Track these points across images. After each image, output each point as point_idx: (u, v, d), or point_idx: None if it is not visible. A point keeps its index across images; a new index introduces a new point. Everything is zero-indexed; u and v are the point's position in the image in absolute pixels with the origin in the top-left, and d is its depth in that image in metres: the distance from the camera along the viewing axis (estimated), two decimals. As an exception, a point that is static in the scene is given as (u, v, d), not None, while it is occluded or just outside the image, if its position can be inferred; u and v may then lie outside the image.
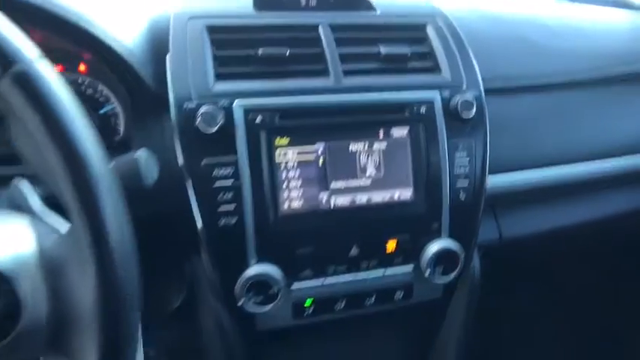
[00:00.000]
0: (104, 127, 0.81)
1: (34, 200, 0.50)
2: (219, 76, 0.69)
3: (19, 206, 0.49)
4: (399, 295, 0.77)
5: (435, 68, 0.79)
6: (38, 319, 0.41)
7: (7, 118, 0.41)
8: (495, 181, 0.81)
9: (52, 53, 0.74)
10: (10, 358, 0.43)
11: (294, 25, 0.76)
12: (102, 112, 0.81)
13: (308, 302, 0.73)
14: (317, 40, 0.75)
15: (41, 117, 0.38)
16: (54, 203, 0.47)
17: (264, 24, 0.75)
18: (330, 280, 0.73)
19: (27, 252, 0.42)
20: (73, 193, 0.39)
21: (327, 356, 0.81)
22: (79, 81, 0.81)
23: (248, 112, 0.67)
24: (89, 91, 0.81)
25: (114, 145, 0.82)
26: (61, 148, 0.39)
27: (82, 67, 0.81)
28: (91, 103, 0.81)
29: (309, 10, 0.81)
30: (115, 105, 0.81)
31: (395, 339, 0.86)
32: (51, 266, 0.42)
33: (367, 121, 0.73)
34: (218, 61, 0.70)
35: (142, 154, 0.55)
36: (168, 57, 0.69)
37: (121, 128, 0.82)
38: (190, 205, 0.66)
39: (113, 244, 0.40)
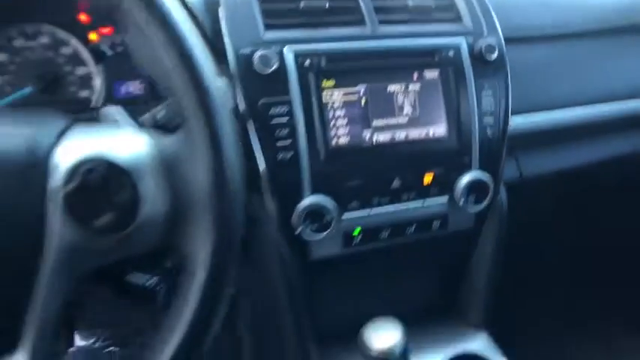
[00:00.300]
0: (149, 86, 0.87)
1: (128, 119, 0.57)
2: (268, 27, 0.75)
3: (117, 123, 0.55)
4: (436, 224, 0.84)
5: (458, 18, 0.86)
6: (156, 211, 0.48)
7: (128, 28, 0.47)
8: (514, 121, 0.88)
9: (101, 16, 0.81)
10: (127, 249, 0.49)
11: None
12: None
13: (356, 231, 0.80)
14: None
15: (163, 27, 0.45)
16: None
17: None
18: (376, 210, 0.80)
19: (144, 151, 0.48)
20: (189, 93, 0.46)
21: (369, 287, 0.88)
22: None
23: (298, 56, 0.74)
24: (138, 51, 0.87)
25: (159, 99, 0.88)
26: (179, 54, 0.45)
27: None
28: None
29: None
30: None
31: (429, 269, 0.93)
32: (167, 163, 0.48)
33: (402, 64, 0.80)
34: (265, 13, 0.77)
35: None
36: (220, 10, 0.76)
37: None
38: (251, 146, 0.72)
39: (225, 138, 0.46)
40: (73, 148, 0.47)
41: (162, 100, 0.86)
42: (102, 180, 0.45)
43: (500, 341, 0.93)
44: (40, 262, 0.45)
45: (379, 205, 0.80)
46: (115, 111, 0.57)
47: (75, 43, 0.85)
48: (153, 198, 0.47)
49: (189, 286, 0.49)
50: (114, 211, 0.46)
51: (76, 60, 0.86)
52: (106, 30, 0.86)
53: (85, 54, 0.86)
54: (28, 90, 0.84)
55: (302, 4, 0.79)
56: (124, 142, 0.49)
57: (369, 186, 0.79)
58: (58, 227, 0.45)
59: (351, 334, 0.78)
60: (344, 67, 0.77)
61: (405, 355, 0.71)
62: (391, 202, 0.81)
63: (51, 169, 0.46)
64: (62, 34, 0.85)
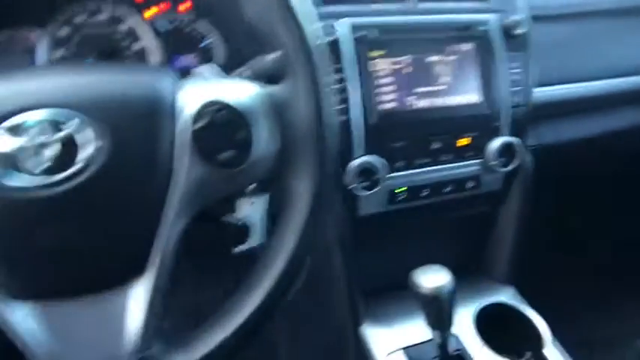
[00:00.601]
0: (204, 59, 0.94)
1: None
2: (325, 1, 0.82)
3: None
4: (469, 184, 0.92)
5: (487, -4, 0.95)
6: (266, 149, 0.54)
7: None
8: (538, 92, 0.97)
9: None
10: (242, 182, 0.56)
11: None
12: (202, 45, 0.94)
13: (400, 189, 0.87)
14: None
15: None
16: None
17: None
18: (417, 170, 0.88)
19: (256, 97, 0.55)
20: (297, 48, 0.53)
21: (406, 243, 0.95)
22: (182, 17, 0.93)
23: (352, 28, 0.81)
24: (190, 26, 0.94)
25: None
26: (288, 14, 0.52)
27: (187, 4, 0.93)
28: (193, 38, 0.94)
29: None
30: (214, 38, 0.94)
31: (461, 227, 1.01)
32: (275, 107, 0.55)
33: (440, 38, 0.88)
34: (320, -12, 0.84)
35: None
36: None
37: (221, 58, 0.94)
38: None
39: (322, 85, 0.54)
40: (196, 94, 0.53)
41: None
42: (225, 120, 0.52)
43: (527, 297, 1.01)
44: (165, 197, 0.52)
45: (420, 166, 0.88)
46: (209, 68, 0.63)
47: (132, 19, 0.91)
48: (265, 137, 0.54)
49: (290, 217, 0.56)
50: (234, 148, 0.53)
51: (133, 35, 0.91)
52: (162, 6, 0.92)
53: (143, 29, 0.91)
54: (87, 64, 0.90)
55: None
56: (238, 89, 0.56)
57: (411, 148, 0.87)
58: (186, 163, 0.52)
59: (390, 287, 0.86)
60: (391, 39, 0.85)
61: (453, 295, 0.78)
62: (431, 163, 0.89)
63: (177, 113, 0.52)
64: (121, 10, 0.90)
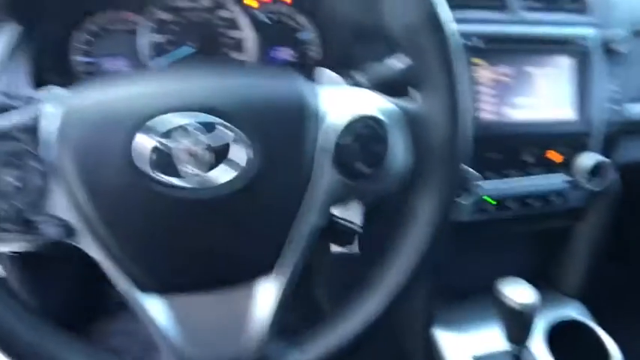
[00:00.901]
0: (300, 54, 0.94)
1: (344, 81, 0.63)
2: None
3: (337, 83, 0.62)
4: (555, 199, 0.92)
5: (587, 10, 0.93)
6: (400, 163, 0.55)
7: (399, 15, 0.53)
8: (634, 109, 0.95)
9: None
10: (371, 194, 0.57)
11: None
12: (302, 37, 0.94)
13: (489, 199, 0.88)
14: None
15: (430, 17, 0.52)
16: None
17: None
18: (507, 181, 0.88)
19: (393, 110, 0.56)
20: (440, 63, 0.53)
21: (484, 252, 0.96)
22: (283, 10, 0.94)
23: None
24: (289, 19, 0.94)
25: (308, 67, 0.95)
26: (438, 41, 0.52)
27: (287, -1, 0.94)
28: (291, 31, 0.94)
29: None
30: (311, 33, 0.94)
31: (537, 238, 1.01)
32: (410, 120, 0.55)
33: (539, 50, 0.87)
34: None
35: None
36: None
37: (316, 53, 0.95)
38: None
39: (463, 103, 0.54)
40: (340, 104, 0.54)
41: (312, 68, 0.93)
42: (368, 135, 0.53)
43: (595, 312, 1.01)
44: (302, 201, 0.53)
45: (510, 176, 0.88)
46: (330, 74, 0.63)
47: (234, 7, 0.91)
48: (400, 153, 0.55)
49: (411, 238, 0.56)
50: (371, 162, 0.53)
51: (233, 24, 0.92)
52: (263, -2, 0.93)
53: (243, 19, 0.92)
54: (187, 49, 0.91)
55: (458, -12, 0.85)
56: (376, 101, 0.56)
57: (502, 158, 0.87)
58: (323, 170, 0.53)
59: (462, 293, 0.86)
60: (493, 48, 0.84)
61: (536, 312, 0.79)
62: (520, 175, 0.88)
63: (319, 120, 0.53)
64: (223, -2, 0.91)
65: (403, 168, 0.55)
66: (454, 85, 0.53)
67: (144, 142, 0.47)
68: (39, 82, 0.78)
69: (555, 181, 0.91)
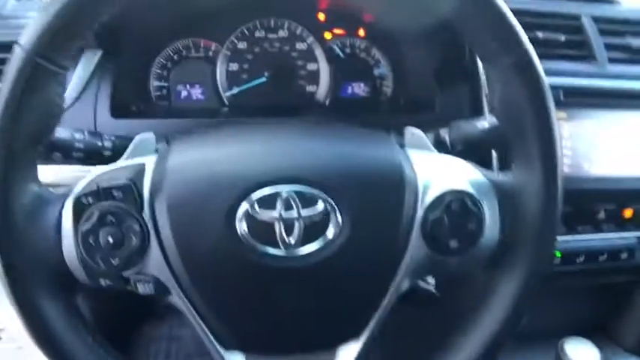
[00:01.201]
0: (374, 86, 0.94)
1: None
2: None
3: (425, 146, 0.61)
4: (624, 255, 0.89)
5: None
6: (491, 238, 0.54)
7: (498, 91, 0.52)
8: None
9: (336, 17, 0.87)
10: (458, 269, 0.56)
11: (562, 14, 0.87)
12: (376, 72, 0.93)
13: (558, 253, 0.86)
14: (581, 29, 0.86)
15: (533, 96, 0.50)
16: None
17: (539, 10, 0.86)
18: (577, 237, 0.86)
19: (486, 183, 0.55)
20: (540, 143, 0.52)
21: (543, 302, 0.94)
22: (357, 44, 0.93)
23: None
24: (363, 54, 0.94)
25: (380, 103, 0.95)
26: (539, 120, 0.51)
27: (361, 32, 0.93)
28: (364, 65, 0.94)
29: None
30: (385, 67, 0.93)
31: (599, 292, 0.99)
32: (503, 197, 0.54)
33: (624, 105, 0.85)
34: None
35: None
36: None
37: (389, 89, 0.94)
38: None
39: (559, 179, 0.52)
40: (431, 176, 0.54)
41: (384, 106, 0.93)
42: (460, 211, 0.52)
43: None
44: (395, 273, 0.53)
45: (582, 232, 0.86)
46: (415, 131, 0.62)
47: (310, 40, 0.91)
48: (492, 230, 0.54)
49: (492, 309, 0.56)
50: (461, 238, 0.53)
51: (308, 56, 0.92)
52: (339, 31, 0.92)
53: (319, 51, 0.92)
54: (262, 79, 0.92)
55: (540, 35, 0.83)
56: (466, 172, 0.55)
57: (577, 214, 0.84)
58: (415, 245, 0.52)
59: (524, 342, 0.85)
60: (576, 102, 0.82)
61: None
62: (592, 231, 0.86)
63: (415, 192, 0.53)
64: (300, 30, 0.91)
65: (493, 243, 0.54)
66: (553, 162, 0.52)
67: (242, 211, 0.48)
68: (118, 106, 0.81)
69: (627, 237, 0.88)
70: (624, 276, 0.96)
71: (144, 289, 0.51)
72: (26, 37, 0.45)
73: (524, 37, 0.50)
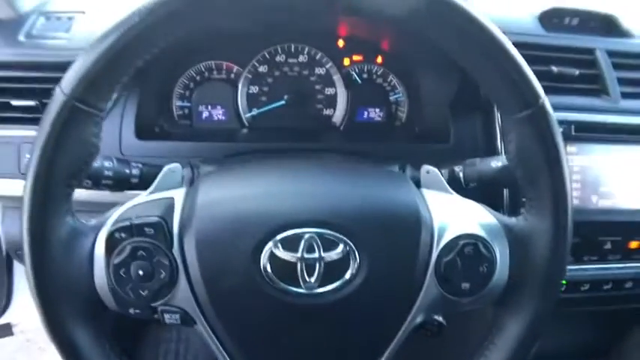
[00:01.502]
0: (389, 112, 0.96)
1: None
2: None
3: (440, 185, 0.64)
4: (629, 284, 0.92)
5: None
6: (501, 278, 0.56)
7: (514, 140, 0.54)
8: None
9: (355, 44, 0.90)
10: (467, 307, 0.58)
11: (576, 48, 0.89)
12: (392, 98, 0.96)
13: (563, 282, 0.88)
14: (595, 63, 0.88)
15: (547, 147, 0.53)
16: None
17: (554, 44, 0.88)
18: (583, 266, 0.88)
19: (496, 228, 0.57)
20: (552, 190, 0.54)
21: (550, 328, 0.96)
22: (374, 70, 0.96)
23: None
24: (380, 80, 0.96)
25: (394, 129, 0.97)
26: (552, 170, 0.53)
27: (379, 59, 0.95)
28: (381, 91, 0.96)
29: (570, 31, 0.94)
30: (401, 94, 0.96)
31: (604, 318, 1.01)
32: (514, 240, 0.57)
33: (632, 139, 0.86)
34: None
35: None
36: None
37: (404, 115, 0.97)
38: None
39: (569, 225, 0.54)
40: (445, 218, 0.56)
41: (398, 132, 0.95)
42: (472, 254, 0.55)
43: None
44: (410, 310, 0.56)
45: (587, 262, 0.88)
46: (435, 173, 0.64)
47: (329, 65, 0.94)
48: (502, 272, 0.57)
49: (497, 348, 0.58)
50: (472, 281, 0.55)
51: (326, 81, 0.95)
52: (357, 57, 0.95)
53: (336, 77, 0.94)
54: (281, 102, 0.94)
55: (554, 69, 0.85)
56: (478, 214, 0.58)
57: (583, 244, 0.86)
58: (427, 284, 0.55)
59: None
60: (587, 137, 0.84)
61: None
62: (598, 261, 0.88)
63: (431, 234, 0.55)
64: (320, 55, 0.94)
65: (503, 284, 0.56)
66: (564, 212, 0.54)
67: (267, 251, 0.51)
68: (142, 127, 0.83)
69: (632, 267, 0.91)
70: (629, 304, 0.98)
71: (170, 319, 0.54)
72: (66, 81, 0.48)
73: (539, 90, 0.52)
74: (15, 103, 0.83)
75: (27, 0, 0.91)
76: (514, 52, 0.50)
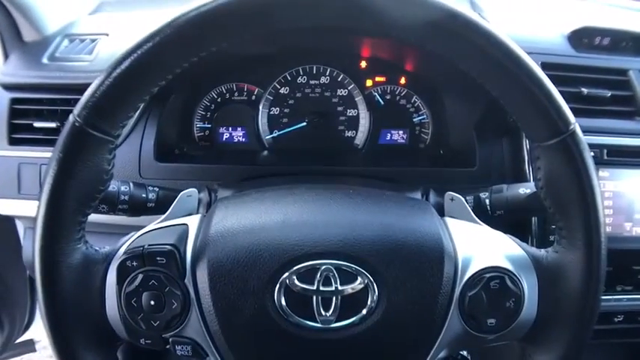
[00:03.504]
0: (413, 134, 0.94)
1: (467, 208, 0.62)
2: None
3: (465, 213, 0.61)
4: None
5: None
6: (529, 314, 0.53)
7: (543, 167, 0.51)
8: None
9: (377, 65, 0.88)
10: (492, 342, 0.55)
11: (608, 68, 0.85)
12: (415, 120, 0.94)
13: (595, 313, 0.84)
14: (628, 84, 0.85)
15: (578, 175, 0.50)
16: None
17: (584, 64, 0.85)
18: (616, 296, 0.83)
19: (524, 261, 0.54)
20: (584, 221, 0.51)
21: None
22: (397, 91, 0.94)
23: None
24: (403, 101, 0.94)
25: (418, 151, 0.95)
26: (584, 200, 0.50)
27: (402, 80, 0.93)
28: (404, 112, 0.94)
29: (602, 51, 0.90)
30: (425, 115, 0.93)
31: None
32: (543, 274, 0.54)
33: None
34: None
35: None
36: None
37: (428, 137, 0.94)
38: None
39: (603, 260, 0.51)
40: (470, 250, 0.54)
41: (422, 155, 0.93)
42: (498, 289, 0.52)
43: None
44: (433, 346, 0.53)
45: (621, 292, 0.84)
46: (459, 200, 0.62)
47: (351, 87, 0.92)
48: (530, 307, 0.53)
49: None
50: (498, 317, 0.52)
51: (349, 102, 0.93)
52: (380, 79, 0.93)
53: (359, 98, 0.93)
54: (302, 124, 0.93)
55: (585, 91, 0.82)
56: (505, 246, 0.55)
57: (617, 273, 0.82)
58: (449, 321, 0.52)
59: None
60: (619, 161, 0.80)
61: None
62: (633, 291, 0.84)
63: (455, 268, 0.53)
64: (342, 77, 0.92)
65: (531, 320, 0.53)
66: (597, 242, 0.51)
67: (282, 283, 0.49)
68: (162, 149, 0.83)
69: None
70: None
71: (182, 350, 0.52)
72: (79, 108, 0.47)
73: (569, 116, 0.49)
74: (37, 124, 0.83)
75: (52, 22, 0.92)
76: (542, 75, 0.48)
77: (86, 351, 0.52)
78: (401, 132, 0.94)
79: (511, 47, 0.46)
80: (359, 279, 0.50)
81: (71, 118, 0.47)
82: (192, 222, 0.55)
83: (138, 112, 0.82)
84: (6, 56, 0.90)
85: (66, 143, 0.47)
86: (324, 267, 0.49)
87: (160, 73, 0.47)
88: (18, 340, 1.34)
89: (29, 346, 1.46)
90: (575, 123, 0.49)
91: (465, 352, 0.67)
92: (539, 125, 0.50)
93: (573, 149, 0.49)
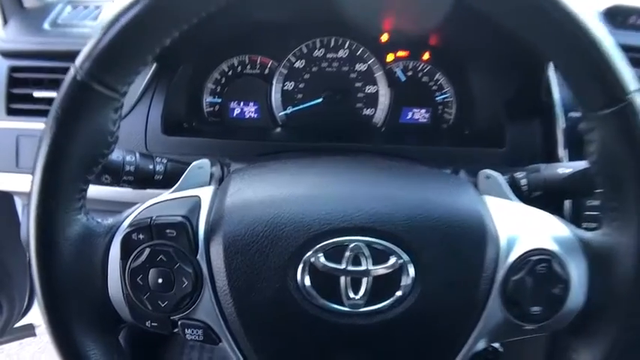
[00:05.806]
0: (435, 113, 0.88)
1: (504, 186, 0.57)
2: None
3: (502, 192, 0.56)
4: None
5: None
6: (576, 302, 0.48)
7: (597, 140, 0.46)
8: None
9: (400, 39, 0.83)
10: (536, 333, 0.50)
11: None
12: (438, 98, 0.88)
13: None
14: None
15: (636, 149, 0.44)
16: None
17: (625, 43, 0.79)
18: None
19: (572, 243, 0.49)
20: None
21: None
22: (420, 67, 0.88)
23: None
24: (425, 78, 0.88)
25: (440, 130, 0.89)
26: None
27: (425, 56, 0.88)
28: (426, 90, 0.88)
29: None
30: (449, 94, 0.88)
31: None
32: (593, 257, 0.48)
33: None
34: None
35: None
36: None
37: (451, 117, 0.89)
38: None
39: None
40: (513, 230, 0.48)
41: (445, 135, 0.87)
42: (545, 274, 0.47)
43: None
44: (470, 334, 0.47)
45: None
46: (496, 178, 0.57)
47: (371, 61, 0.87)
48: (578, 293, 0.48)
49: None
50: (544, 304, 0.47)
51: (368, 78, 0.88)
52: (402, 53, 0.87)
53: (379, 74, 0.87)
54: (318, 100, 0.87)
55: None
56: (551, 226, 0.49)
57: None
58: (490, 307, 0.47)
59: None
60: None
61: None
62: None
63: (497, 249, 0.47)
64: (362, 50, 0.87)
65: (577, 309, 0.48)
66: None
67: (306, 261, 0.44)
68: (170, 122, 0.78)
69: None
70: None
71: (192, 335, 0.47)
72: (82, 58, 0.41)
73: (630, 83, 0.43)
74: (37, 94, 0.78)
75: (54, -12, 0.86)
76: (602, 36, 0.42)
77: (86, 334, 0.46)
78: (423, 111, 0.88)
79: (569, 6, 0.41)
80: (392, 259, 0.44)
81: (72, 70, 0.42)
82: (205, 194, 0.50)
83: (145, 82, 0.78)
84: (5, 22, 0.85)
85: (66, 99, 0.42)
86: (353, 244, 0.44)
87: (174, 22, 0.42)
88: (17, 324, 1.31)
89: (29, 331, 1.43)
90: (635, 91, 0.44)
91: (497, 345, 0.62)
92: (593, 91, 0.44)
93: (631, 120, 0.44)
